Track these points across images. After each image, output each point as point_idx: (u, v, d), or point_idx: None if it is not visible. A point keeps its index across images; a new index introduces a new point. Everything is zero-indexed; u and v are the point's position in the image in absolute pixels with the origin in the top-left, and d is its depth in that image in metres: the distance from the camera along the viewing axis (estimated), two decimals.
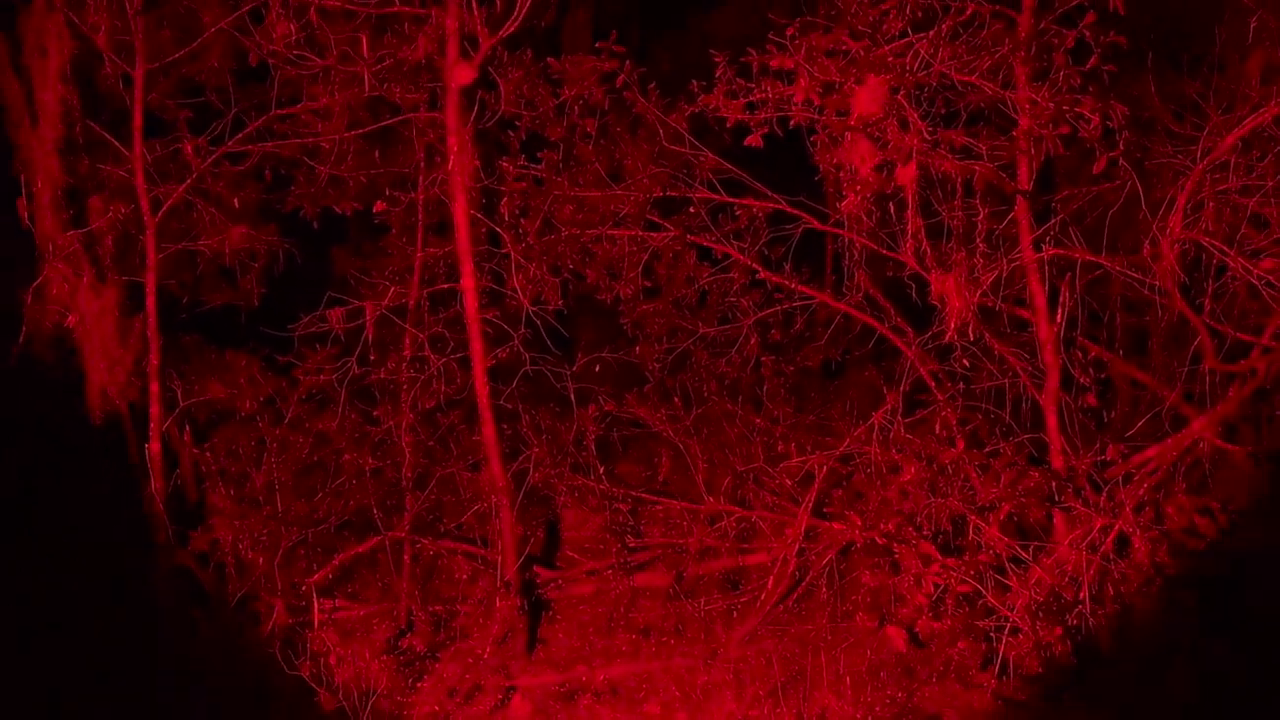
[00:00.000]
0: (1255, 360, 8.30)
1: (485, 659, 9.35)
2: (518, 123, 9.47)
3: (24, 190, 8.02)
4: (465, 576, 10.16)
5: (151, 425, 8.74)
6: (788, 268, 9.62)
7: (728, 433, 10.70)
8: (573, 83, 9.40)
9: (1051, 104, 6.98)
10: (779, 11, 8.15)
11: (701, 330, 10.22)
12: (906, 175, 7.08)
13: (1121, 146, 7.19)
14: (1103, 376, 9.12)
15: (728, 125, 8.62)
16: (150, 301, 8.64)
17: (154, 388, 8.73)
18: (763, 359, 10.47)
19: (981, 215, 7.61)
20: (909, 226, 7.40)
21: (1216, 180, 7.67)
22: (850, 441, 9.42)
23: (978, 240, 7.66)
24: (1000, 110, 7.59)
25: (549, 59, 9.42)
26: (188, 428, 9.43)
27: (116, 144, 8.60)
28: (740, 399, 10.82)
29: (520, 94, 9.29)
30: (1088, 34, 6.98)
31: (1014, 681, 7.66)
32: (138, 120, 8.46)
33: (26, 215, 8.04)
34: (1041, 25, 7.28)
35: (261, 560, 9.18)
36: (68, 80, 7.93)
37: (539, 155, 9.63)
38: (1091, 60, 7.06)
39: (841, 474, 9.67)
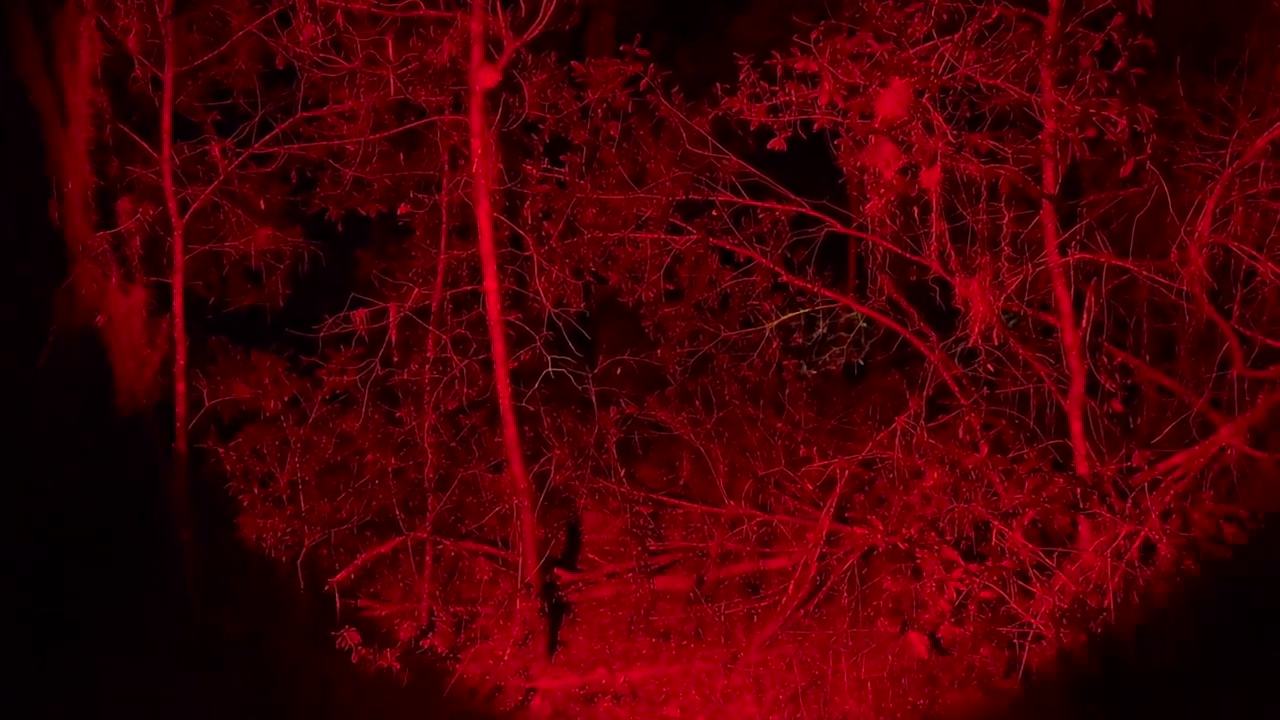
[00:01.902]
0: None
1: (506, 660, 9.37)
2: (541, 126, 9.50)
3: (55, 191, 8.12)
4: (486, 578, 10.18)
5: (178, 425, 8.81)
6: (810, 271, 9.60)
7: (749, 436, 10.69)
8: (596, 86, 9.42)
9: (1078, 107, 6.93)
10: (803, 15, 8.15)
11: (723, 334, 10.22)
12: (931, 178, 7.04)
13: (1149, 150, 7.13)
14: (1129, 382, 9.02)
15: (751, 128, 8.63)
16: (177, 302, 8.72)
17: (180, 387, 8.81)
18: (784, 363, 10.45)
19: (1006, 219, 7.56)
20: (933, 230, 7.36)
21: (1246, 184, 7.58)
22: (872, 446, 9.38)
23: (1003, 244, 7.61)
24: (1026, 114, 7.54)
25: (573, 62, 9.44)
26: (213, 427, 9.51)
27: (146, 146, 8.69)
28: (762, 403, 10.80)
29: (544, 97, 9.33)
30: (1115, 36, 6.93)
31: (1037, 689, 7.59)
32: (166, 123, 8.54)
33: (57, 216, 8.14)
34: (1068, 28, 7.23)
35: (285, 559, 9.24)
36: (98, 83, 8.02)
37: (562, 158, 9.67)
38: (1119, 63, 7.01)
39: (864, 479, 9.63)
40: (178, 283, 8.70)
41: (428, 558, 9.94)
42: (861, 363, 10.91)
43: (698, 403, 10.72)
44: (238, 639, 8.60)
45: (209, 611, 8.78)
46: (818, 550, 9.30)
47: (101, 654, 7.54)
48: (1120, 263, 7.92)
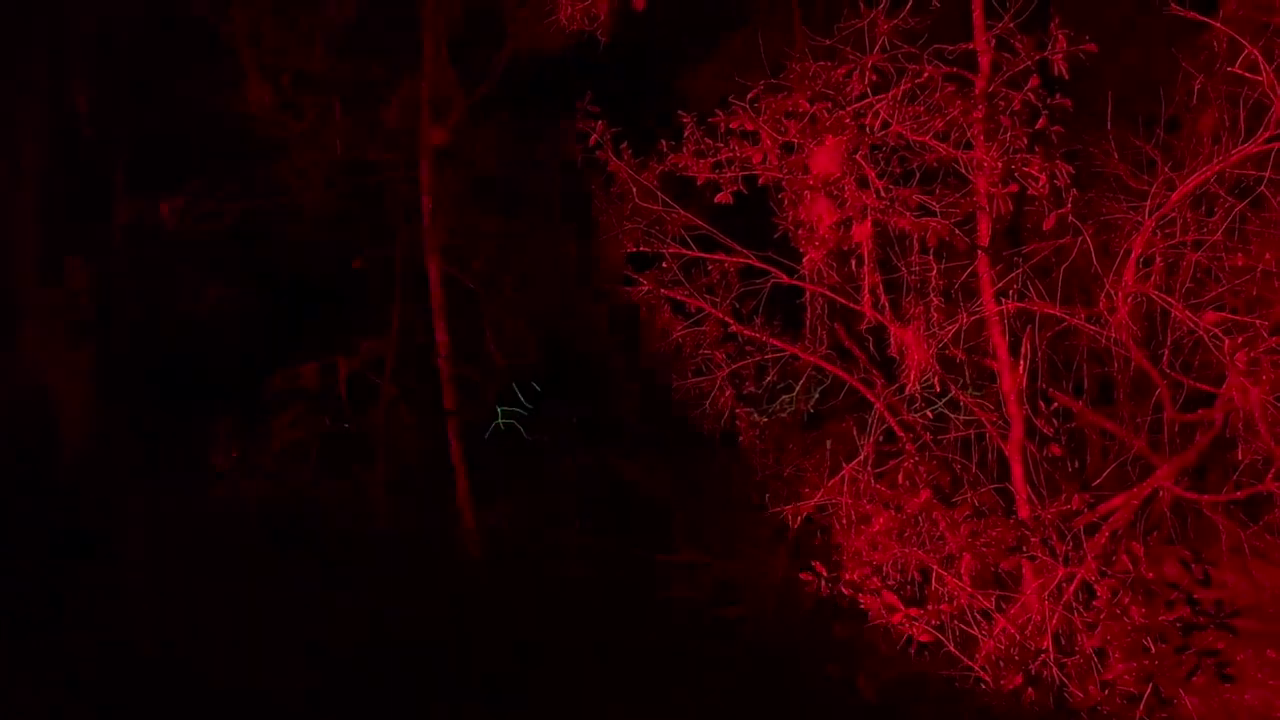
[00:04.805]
0: (1214, 410, 8.41)
1: None
2: (494, 180, 9.69)
3: (4, 251, 8.17)
4: None
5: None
6: (758, 321, 9.77)
7: (704, 485, 10.78)
8: (548, 142, 9.65)
9: (1000, 163, 7.20)
10: (751, 74, 8.41)
11: (676, 383, 10.34)
12: (863, 232, 7.27)
13: (1069, 204, 7.39)
14: (1071, 426, 9.20)
15: (698, 184, 8.86)
16: (127, 360, 8.74)
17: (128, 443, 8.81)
18: (737, 411, 10.58)
19: (935, 271, 7.79)
20: (866, 281, 7.58)
21: (1168, 235, 7.84)
22: (824, 492, 9.50)
23: (931, 294, 7.83)
24: (954, 169, 7.79)
25: (525, 119, 9.67)
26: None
27: (96, 206, 8.77)
28: (717, 451, 10.90)
29: (496, 153, 9.53)
30: (1033, 96, 7.22)
31: None
32: (117, 182, 8.65)
33: (6, 276, 8.18)
34: (991, 88, 7.52)
35: None
36: (49, 145, 8.12)
37: (515, 212, 9.85)
38: (1040, 121, 7.29)
39: (818, 525, 9.71)
40: (128, 341, 8.73)
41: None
42: (812, 410, 11.04)
43: (653, 451, 10.81)
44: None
45: None
46: (772, 597, 9.38)
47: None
48: (1052, 310, 8.13)
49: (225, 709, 8.24)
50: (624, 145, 9.63)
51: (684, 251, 9.72)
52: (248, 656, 8.71)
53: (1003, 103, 7.35)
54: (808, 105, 7.51)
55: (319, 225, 9.51)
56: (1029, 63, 7.33)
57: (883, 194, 7.34)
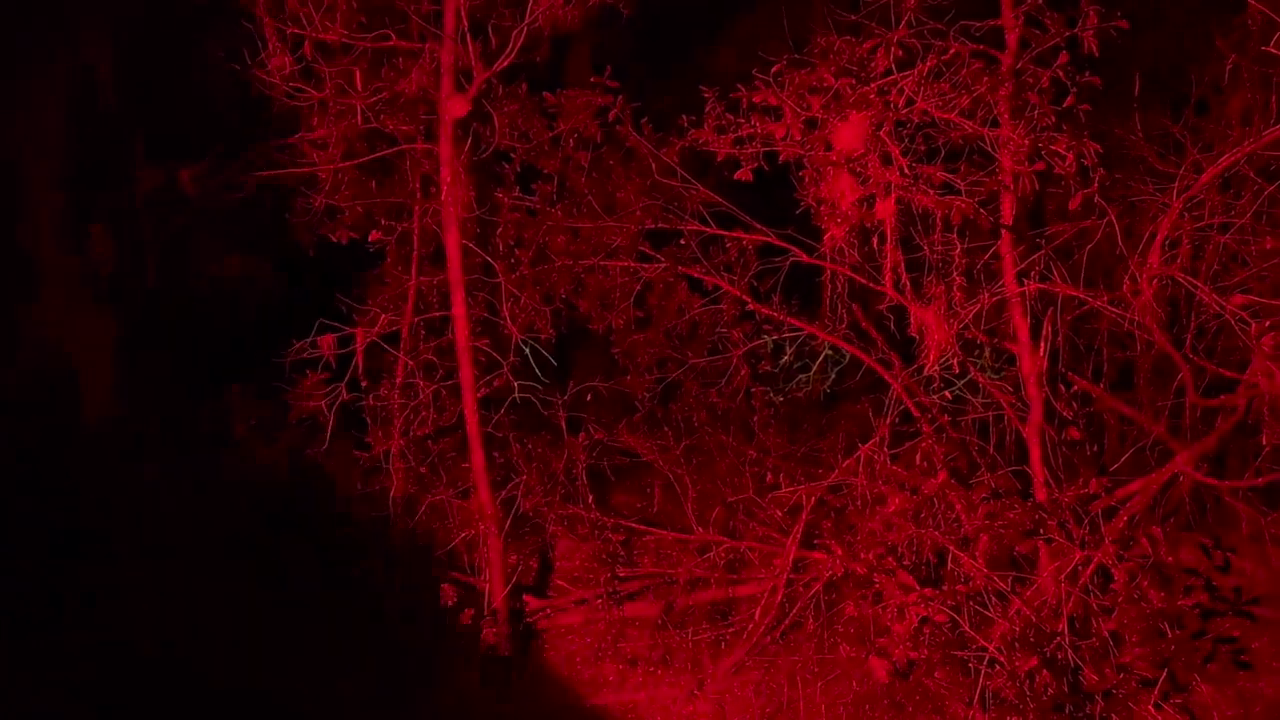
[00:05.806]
0: (1237, 396, 8.32)
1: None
2: (512, 154, 9.64)
3: (26, 218, 8.19)
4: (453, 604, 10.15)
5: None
6: (776, 299, 9.72)
7: (718, 463, 10.74)
8: (567, 116, 9.59)
9: (1027, 141, 7.10)
10: (774, 49, 8.31)
11: (691, 360, 10.32)
12: (886, 209, 7.19)
13: (1096, 184, 7.28)
14: (1090, 410, 9.14)
15: (717, 159, 8.78)
16: (147, 327, 8.76)
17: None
18: (752, 390, 10.54)
19: (958, 250, 7.70)
20: (888, 260, 7.51)
21: (1195, 217, 7.75)
22: (839, 473, 9.47)
23: (955, 274, 7.75)
24: (979, 147, 7.70)
25: (545, 93, 9.59)
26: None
27: (118, 173, 8.77)
28: (731, 430, 10.87)
29: (515, 126, 9.49)
30: (1061, 74, 7.11)
31: (993, 712, 7.64)
32: (138, 150, 8.65)
33: (28, 242, 8.20)
34: (1019, 65, 7.41)
35: None
36: (71, 111, 8.11)
37: (533, 186, 9.80)
38: (1068, 100, 7.18)
39: (832, 505, 9.68)
40: (148, 308, 8.75)
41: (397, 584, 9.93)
42: (828, 390, 10.98)
43: (667, 429, 10.79)
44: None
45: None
46: (784, 577, 9.36)
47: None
48: (1075, 293, 8.06)
49: (225, 709, 8.28)
50: (644, 121, 9.57)
51: (702, 228, 9.67)
52: (248, 656, 8.75)
53: (1030, 80, 7.23)
54: (832, 80, 7.41)
55: (338, 196, 9.45)
56: (1058, 39, 7.21)
57: (907, 171, 7.25)
